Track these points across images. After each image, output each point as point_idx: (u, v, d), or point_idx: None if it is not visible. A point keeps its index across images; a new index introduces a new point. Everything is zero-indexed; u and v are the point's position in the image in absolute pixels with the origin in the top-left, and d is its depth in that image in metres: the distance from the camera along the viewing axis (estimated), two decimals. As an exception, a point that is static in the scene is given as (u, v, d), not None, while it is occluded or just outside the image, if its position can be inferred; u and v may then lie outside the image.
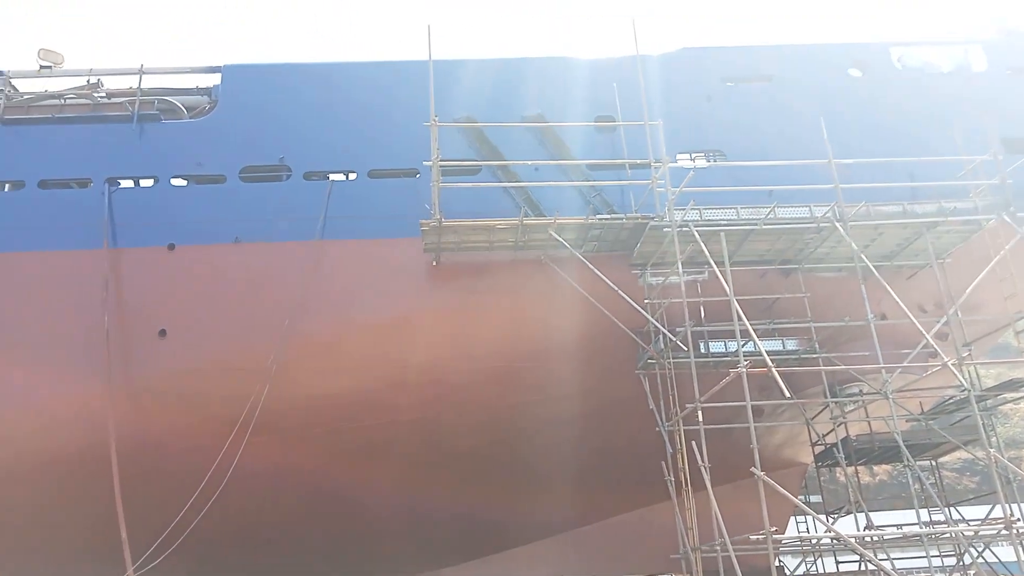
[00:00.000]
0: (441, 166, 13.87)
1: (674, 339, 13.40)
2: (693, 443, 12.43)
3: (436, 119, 14.04)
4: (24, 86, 16.16)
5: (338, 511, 15.75)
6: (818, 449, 16.27)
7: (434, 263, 14.53)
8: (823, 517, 13.52)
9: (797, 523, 18.89)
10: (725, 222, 13.73)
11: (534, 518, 17.16)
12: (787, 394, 11.27)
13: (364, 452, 14.98)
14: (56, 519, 13.81)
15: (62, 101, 15.82)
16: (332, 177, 15.49)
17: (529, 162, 14.99)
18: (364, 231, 14.88)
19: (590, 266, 13.75)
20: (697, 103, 16.04)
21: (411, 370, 14.54)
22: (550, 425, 15.48)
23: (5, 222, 14.56)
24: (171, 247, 14.63)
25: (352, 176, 15.62)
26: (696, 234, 13.22)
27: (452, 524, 16.91)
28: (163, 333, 14.11)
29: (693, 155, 15.92)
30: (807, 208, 13.93)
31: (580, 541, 17.59)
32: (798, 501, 13.01)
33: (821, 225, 13.74)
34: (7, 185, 15.15)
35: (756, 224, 13.69)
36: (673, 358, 13.56)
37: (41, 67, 16.07)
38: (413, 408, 14.80)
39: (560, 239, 13.85)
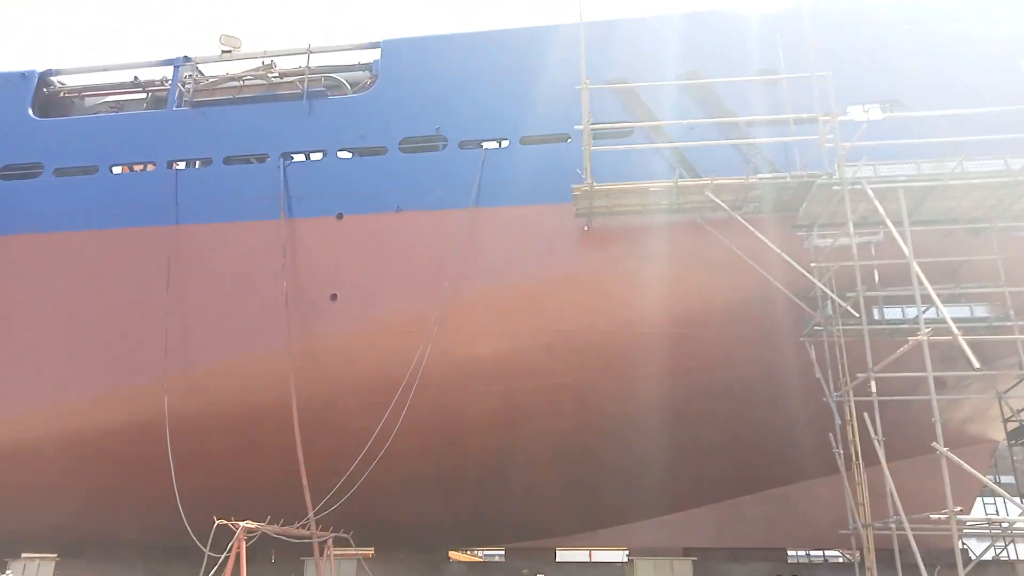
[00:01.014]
0: (592, 129, 13.72)
1: (844, 304, 12.59)
2: (865, 415, 11.68)
3: (587, 81, 13.90)
4: (209, 70, 17.60)
5: (492, 471, 16.25)
6: (1011, 426, 14.81)
7: (586, 228, 14.46)
8: (1017, 499, 12.33)
9: (984, 504, 17.41)
10: (904, 178, 12.62)
11: (689, 486, 16.92)
12: (975, 365, 10.29)
13: (518, 414, 15.32)
14: (245, 466, 15.21)
15: (241, 83, 17.06)
16: (485, 145, 15.75)
17: (684, 121, 14.49)
18: (517, 197, 15.06)
19: (751, 228, 13.14)
20: (871, 49, 14.77)
21: (563, 335, 14.63)
22: (706, 393, 15.11)
23: (198, 196, 16.01)
24: (339, 216, 15.52)
25: (504, 143, 15.80)
26: (870, 192, 12.25)
27: (605, 488, 17.00)
28: (334, 297, 15.05)
29: (866, 106, 14.73)
30: (1002, 161, 12.51)
31: (739, 511, 17.16)
32: (987, 480, 11.90)
33: (1019, 179, 12.32)
34: (198, 162, 16.61)
35: (940, 180, 12.49)
36: (843, 325, 12.76)
37: (222, 52, 17.41)
38: (566, 373, 14.92)
39: (718, 200, 13.34)
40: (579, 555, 22.80)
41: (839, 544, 16.13)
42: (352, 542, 14.54)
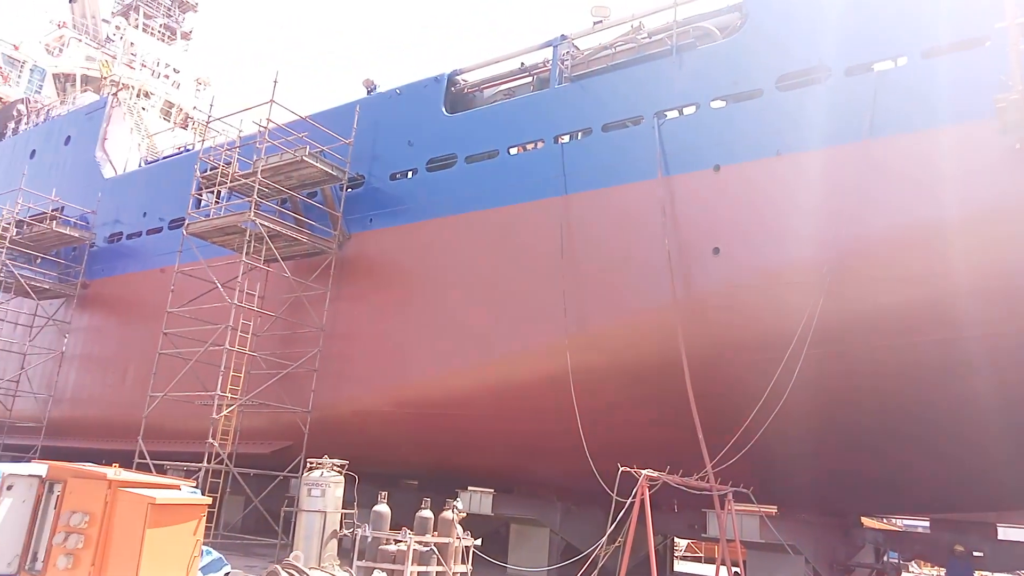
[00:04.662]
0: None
1: None
2: None
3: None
4: (584, 44, 18.48)
5: (905, 432, 14.55)
6: None
7: (1017, 146, 11.98)
8: None
9: None
10: None
11: None
12: None
13: (935, 369, 13.45)
14: (643, 417, 15.88)
15: (613, 50, 17.59)
16: (876, 67, 13.98)
17: None
18: (921, 122, 13.13)
19: None
20: None
21: (994, 277, 12.41)
22: None
23: (582, 165, 17.02)
24: (716, 168, 15.18)
25: (901, 61, 13.83)
26: None
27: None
28: (717, 251, 14.83)
29: None
30: None
31: None
32: None
33: None
34: (580, 133, 17.62)
35: None
36: None
37: (594, 23, 18.12)
38: (999, 322, 12.64)
39: None
40: (1028, 534, 19.42)
41: None
42: (753, 498, 14.29)
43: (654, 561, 11.58)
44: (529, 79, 19.82)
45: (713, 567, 22.52)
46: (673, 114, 16.26)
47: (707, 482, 13.34)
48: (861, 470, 15.63)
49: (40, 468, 8.45)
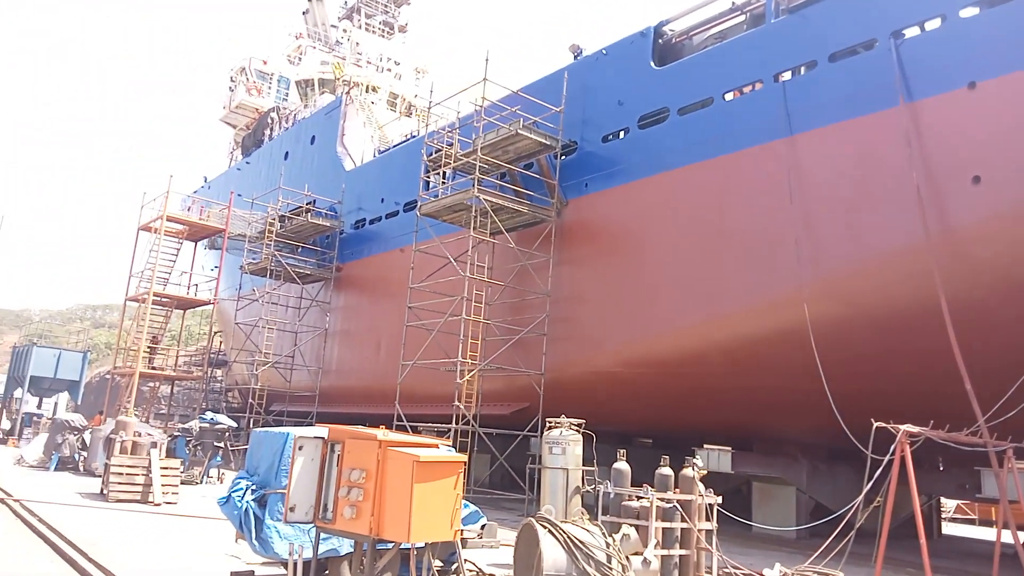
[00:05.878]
0: None
1: None
2: None
3: None
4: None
5: None
6: None
7: None
8: None
9: None
10: None
11: None
12: None
13: None
14: (898, 369, 14.54)
15: (831, -25, 16.02)
16: None
17: None
18: None
19: None
20: None
21: None
22: None
23: (807, 102, 15.77)
24: (971, 86, 13.36)
25: None
26: None
27: None
28: (977, 180, 13.12)
29: None
30: None
31: None
32: None
33: None
34: (802, 68, 16.32)
35: None
36: None
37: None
38: None
39: None
40: None
41: None
42: (1039, 455, 12.58)
43: (921, 524, 10.65)
44: (742, 17, 18.67)
45: (989, 531, 20.27)
46: (913, 32, 14.52)
47: (980, 437, 11.95)
48: None
49: (322, 431, 9.49)
